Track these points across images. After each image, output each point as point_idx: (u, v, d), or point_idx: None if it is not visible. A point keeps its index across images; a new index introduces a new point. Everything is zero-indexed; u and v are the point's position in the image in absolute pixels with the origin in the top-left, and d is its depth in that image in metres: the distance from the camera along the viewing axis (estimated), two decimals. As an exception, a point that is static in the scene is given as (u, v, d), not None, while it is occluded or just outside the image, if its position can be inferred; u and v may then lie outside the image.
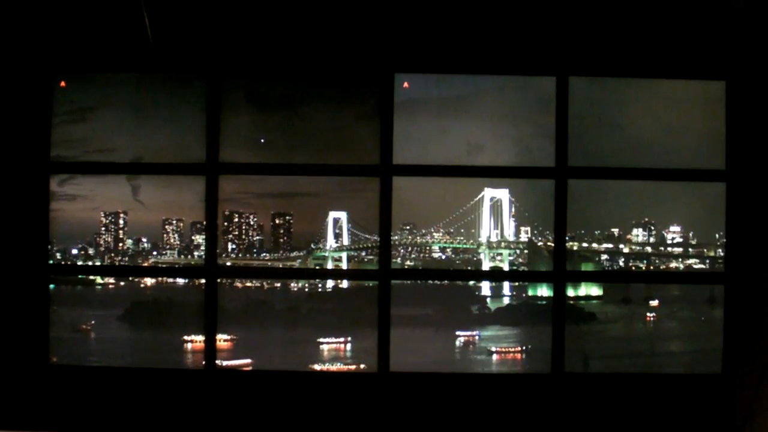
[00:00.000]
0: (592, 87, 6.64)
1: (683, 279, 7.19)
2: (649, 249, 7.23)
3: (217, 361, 6.49)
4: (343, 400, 6.33)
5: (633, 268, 7.31)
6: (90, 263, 7.38)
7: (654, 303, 7.14)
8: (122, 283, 7.41)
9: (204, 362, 6.44)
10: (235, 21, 6.25)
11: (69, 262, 7.12)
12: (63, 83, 6.59)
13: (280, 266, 7.57)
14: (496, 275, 7.54)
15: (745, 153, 6.37)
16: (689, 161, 6.55)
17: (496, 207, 7.29)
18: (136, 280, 7.46)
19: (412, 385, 6.39)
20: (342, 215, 7.28)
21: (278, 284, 7.43)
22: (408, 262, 7.45)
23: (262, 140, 6.84)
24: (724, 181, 6.46)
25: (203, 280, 6.51)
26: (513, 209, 7.29)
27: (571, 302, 6.95)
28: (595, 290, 7.30)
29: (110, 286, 7.36)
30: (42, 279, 6.47)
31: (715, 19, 6.12)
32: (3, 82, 6.33)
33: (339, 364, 7.01)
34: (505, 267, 7.41)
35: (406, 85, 6.60)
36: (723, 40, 6.26)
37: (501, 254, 7.47)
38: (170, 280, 7.41)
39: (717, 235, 6.91)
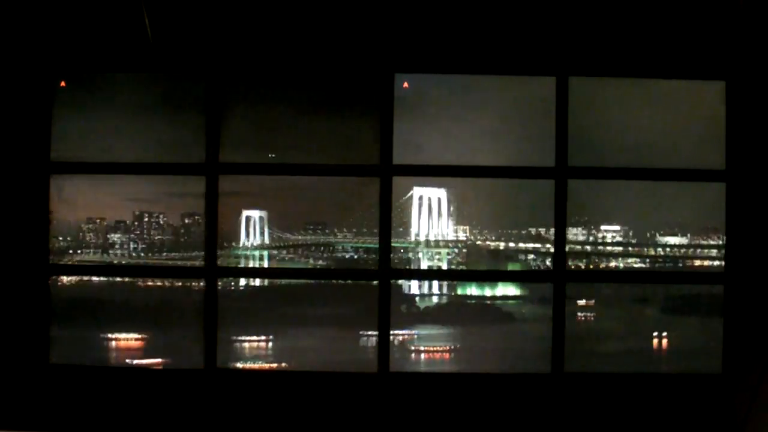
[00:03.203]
0: (592, 87, 6.64)
1: (683, 279, 7.17)
2: (588, 248, 7.22)
3: (128, 360, 6.57)
4: (343, 400, 6.34)
5: (572, 267, 7.26)
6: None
7: (582, 302, 7.13)
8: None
9: (204, 362, 6.44)
10: (235, 21, 6.25)
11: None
12: (63, 83, 6.59)
13: (275, 266, 7.56)
14: (495, 275, 7.52)
15: (745, 153, 6.38)
16: (690, 161, 6.56)
17: (425, 206, 7.28)
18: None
19: (411, 385, 6.39)
20: (258, 214, 7.27)
21: (194, 283, 7.32)
22: (321, 262, 7.47)
23: (262, 140, 6.84)
24: (724, 181, 6.46)
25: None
26: (444, 208, 7.28)
27: (488, 302, 6.97)
28: (512, 290, 7.32)
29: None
30: (42, 279, 6.47)
31: (715, 19, 6.12)
32: (3, 82, 6.33)
33: (260, 362, 6.99)
34: (444, 266, 7.40)
35: (406, 85, 6.60)
36: (723, 40, 6.26)
37: (438, 253, 7.45)
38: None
39: (649, 234, 6.93)
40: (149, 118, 6.76)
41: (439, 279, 7.43)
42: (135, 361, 6.90)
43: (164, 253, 7.32)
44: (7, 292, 6.32)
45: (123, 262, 7.44)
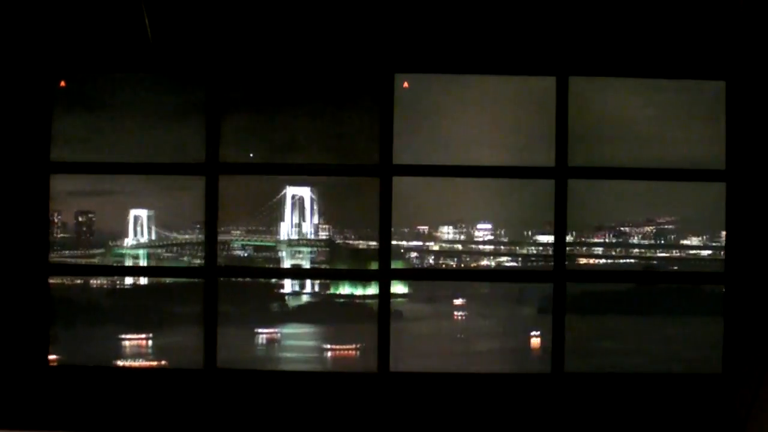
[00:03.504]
0: (592, 87, 6.65)
1: (682, 279, 7.18)
2: (459, 246, 7.23)
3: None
4: (343, 400, 6.34)
5: (443, 266, 7.28)
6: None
7: (459, 301, 7.14)
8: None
9: (204, 362, 6.44)
10: (235, 21, 6.25)
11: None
12: (63, 83, 6.59)
13: (276, 267, 7.60)
14: (494, 274, 7.51)
15: (745, 153, 6.38)
16: (690, 161, 6.57)
17: (298, 205, 7.32)
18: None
19: (412, 385, 6.39)
20: (144, 213, 7.30)
21: (79, 281, 7.33)
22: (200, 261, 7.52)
23: (262, 140, 6.84)
24: (724, 181, 6.47)
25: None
26: (315, 207, 7.32)
27: (368, 300, 7.01)
28: (401, 288, 7.36)
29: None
30: (42, 278, 6.47)
31: (715, 19, 6.13)
32: (3, 82, 6.33)
33: (141, 360, 7.01)
34: (306, 264, 7.44)
35: (406, 85, 6.60)
36: (723, 40, 6.26)
37: (301, 252, 7.49)
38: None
39: (526, 233, 7.04)
40: (149, 118, 6.76)
41: (439, 279, 7.43)
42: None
43: (65, 251, 7.35)
44: (7, 292, 6.32)
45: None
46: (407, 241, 7.23)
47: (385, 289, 6.48)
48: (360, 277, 7.30)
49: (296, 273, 7.52)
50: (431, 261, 7.33)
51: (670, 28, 6.20)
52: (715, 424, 6.30)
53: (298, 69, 6.63)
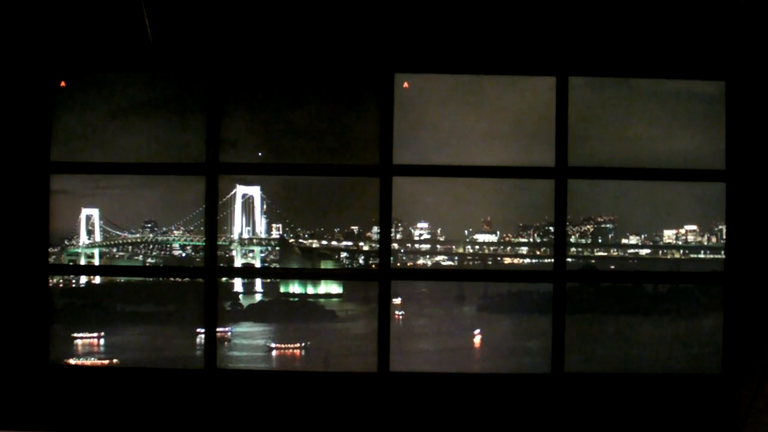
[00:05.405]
0: (592, 87, 6.65)
1: (682, 279, 7.19)
2: (395, 246, 7.24)
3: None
4: (343, 400, 6.34)
5: (373, 266, 7.24)
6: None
7: (396, 301, 7.12)
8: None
9: (204, 362, 6.44)
10: (235, 21, 6.25)
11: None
12: (63, 83, 6.59)
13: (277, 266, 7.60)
14: (493, 275, 7.52)
15: (745, 153, 6.38)
16: (690, 161, 6.58)
17: (247, 204, 7.32)
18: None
19: (412, 385, 6.39)
20: (94, 212, 7.31)
21: None
22: (150, 260, 7.54)
23: (262, 140, 6.85)
24: (724, 181, 6.47)
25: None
26: (265, 206, 7.32)
27: (311, 299, 6.99)
28: (335, 288, 7.35)
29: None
30: (42, 278, 6.47)
31: (715, 19, 6.12)
32: (4, 82, 6.33)
33: (93, 358, 7.03)
34: (257, 264, 7.44)
35: (406, 85, 6.60)
36: (723, 40, 6.26)
37: (253, 251, 7.50)
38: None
39: (466, 231, 7.13)
40: (149, 118, 6.77)
41: (440, 279, 7.44)
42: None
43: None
44: (7, 292, 6.32)
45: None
46: (338, 241, 7.37)
47: (385, 289, 6.48)
48: (360, 277, 7.31)
49: (296, 273, 7.52)
50: (361, 261, 7.39)
51: (670, 29, 6.20)
52: (715, 424, 6.31)
53: (299, 69, 6.63)
